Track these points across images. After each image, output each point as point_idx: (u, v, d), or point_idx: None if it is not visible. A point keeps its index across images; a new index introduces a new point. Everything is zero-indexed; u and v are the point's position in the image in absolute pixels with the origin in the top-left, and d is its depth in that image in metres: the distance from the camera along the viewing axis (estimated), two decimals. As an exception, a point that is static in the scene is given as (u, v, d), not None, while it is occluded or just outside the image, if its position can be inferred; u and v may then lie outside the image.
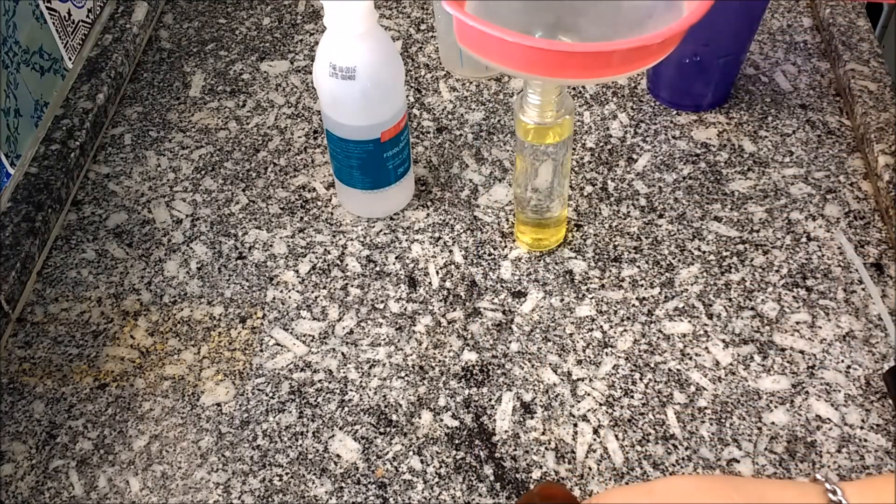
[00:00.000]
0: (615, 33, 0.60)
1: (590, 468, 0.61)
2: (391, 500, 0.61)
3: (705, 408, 0.64)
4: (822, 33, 0.90)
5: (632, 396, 0.65)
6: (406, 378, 0.67)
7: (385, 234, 0.76)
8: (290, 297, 0.72)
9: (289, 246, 0.76)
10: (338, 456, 0.63)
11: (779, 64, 0.88)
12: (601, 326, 0.69)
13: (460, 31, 0.55)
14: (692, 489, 0.44)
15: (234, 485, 0.62)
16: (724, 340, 0.68)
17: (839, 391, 0.64)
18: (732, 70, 0.81)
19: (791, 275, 0.71)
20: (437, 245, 0.75)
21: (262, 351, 0.69)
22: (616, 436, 0.63)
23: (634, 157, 0.81)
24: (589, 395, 0.65)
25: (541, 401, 0.65)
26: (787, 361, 0.66)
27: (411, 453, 0.63)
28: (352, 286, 0.73)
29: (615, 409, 0.64)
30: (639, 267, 0.73)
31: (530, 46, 0.52)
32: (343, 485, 0.62)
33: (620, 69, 0.54)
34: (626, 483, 0.60)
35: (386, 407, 0.65)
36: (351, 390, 0.66)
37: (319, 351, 0.69)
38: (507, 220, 0.76)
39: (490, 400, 0.65)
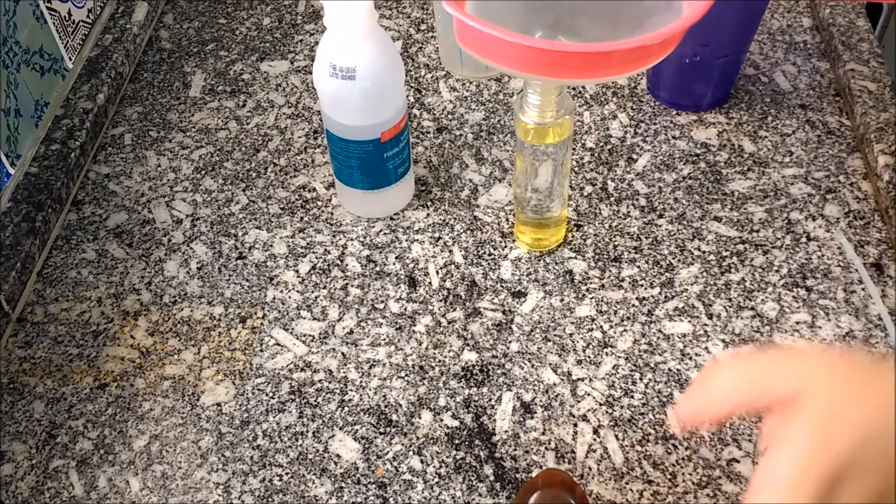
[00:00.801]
0: (615, 33, 0.60)
1: (590, 468, 0.61)
2: (391, 500, 0.61)
3: (705, 408, 0.64)
4: (821, 33, 0.90)
5: (632, 396, 0.65)
6: (406, 378, 0.67)
7: (385, 234, 0.76)
8: (290, 297, 0.72)
9: (289, 246, 0.76)
10: (338, 456, 0.63)
11: (779, 64, 0.88)
12: (601, 326, 0.69)
13: (460, 31, 0.55)
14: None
15: (234, 485, 0.62)
16: (724, 340, 0.68)
17: (839, 391, 0.64)
18: (732, 70, 0.81)
19: (791, 275, 0.71)
20: (437, 245, 0.75)
21: (262, 351, 0.69)
22: (616, 436, 0.63)
23: (634, 157, 0.81)
24: (589, 395, 0.65)
25: (541, 401, 0.65)
26: (787, 361, 0.66)
27: (411, 453, 0.63)
28: (352, 286, 0.73)
29: (615, 409, 0.64)
30: (639, 267, 0.72)
31: (530, 46, 0.52)
32: (343, 485, 0.62)
33: (620, 69, 0.55)
34: (626, 483, 0.60)
35: (386, 407, 0.65)
36: (351, 390, 0.66)
37: (319, 351, 0.69)
38: (507, 220, 0.76)
39: (490, 400, 0.65)
